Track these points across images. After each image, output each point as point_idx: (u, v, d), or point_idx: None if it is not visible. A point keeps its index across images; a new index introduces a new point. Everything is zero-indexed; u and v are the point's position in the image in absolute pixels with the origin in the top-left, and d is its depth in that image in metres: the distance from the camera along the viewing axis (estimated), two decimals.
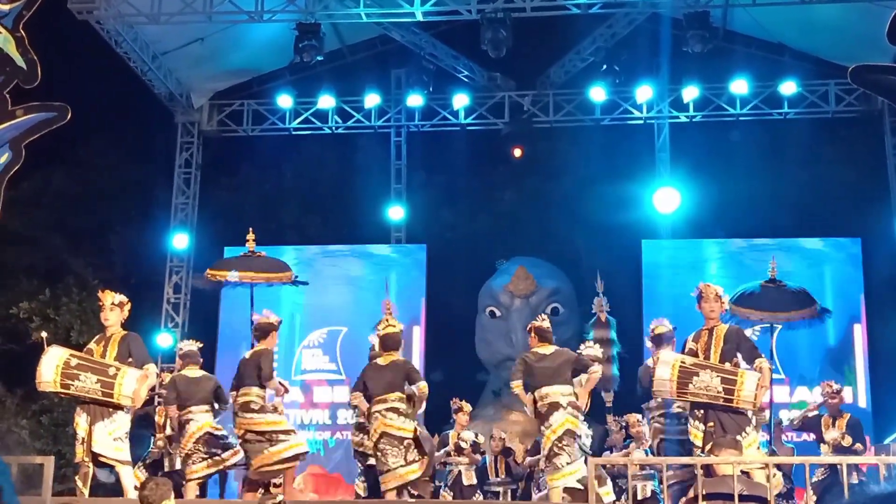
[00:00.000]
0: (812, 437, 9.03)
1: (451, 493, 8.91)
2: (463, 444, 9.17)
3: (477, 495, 9.09)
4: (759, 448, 6.81)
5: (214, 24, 11.92)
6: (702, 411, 6.63)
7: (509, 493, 9.53)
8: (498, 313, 14.06)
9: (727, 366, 6.66)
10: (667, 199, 12.98)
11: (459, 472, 9.14)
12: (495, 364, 13.99)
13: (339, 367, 12.85)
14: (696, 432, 6.65)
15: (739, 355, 6.79)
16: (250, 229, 9.64)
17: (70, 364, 7.02)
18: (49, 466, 6.59)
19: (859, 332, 12.28)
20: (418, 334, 12.97)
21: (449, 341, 13.63)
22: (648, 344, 7.92)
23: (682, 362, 6.65)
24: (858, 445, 8.58)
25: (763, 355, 6.88)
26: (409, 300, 13.21)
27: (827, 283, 12.43)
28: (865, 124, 13.41)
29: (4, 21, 5.82)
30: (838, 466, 8.03)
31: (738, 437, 6.39)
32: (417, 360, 12.58)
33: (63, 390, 7.07)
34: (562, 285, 14.13)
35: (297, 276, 9.49)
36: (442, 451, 9.23)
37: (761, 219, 13.16)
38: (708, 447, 6.28)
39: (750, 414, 6.62)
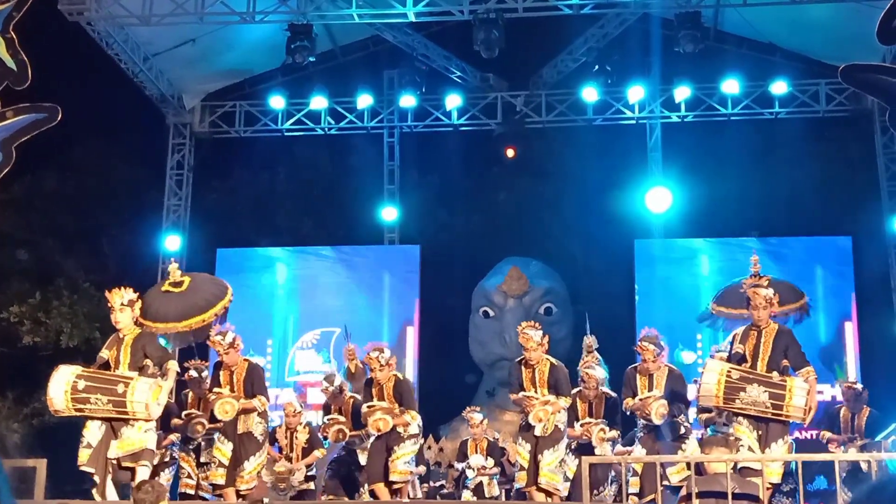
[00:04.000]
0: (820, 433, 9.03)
1: (476, 496, 9.13)
2: (470, 473, 9.27)
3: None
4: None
5: (206, 25, 11.88)
6: (748, 420, 6.60)
7: (503, 493, 9.55)
8: (491, 313, 14.07)
9: (775, 376, 6.54)
10: (659, 198, 13.01)
11: (481, 482, 9.27)
12: (489, 364, 14.00)
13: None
14: (741, 428, 6.59)
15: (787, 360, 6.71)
16: (172, 261, 8.48)
17: (77, 388, 6.72)
18: (41, 469, 6.55)
19: (850, 330, 12.33)
20: (412, 335, 12.97)
21: (443, 341, 13.64)
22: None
23: (728, 376, 6.51)
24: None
25: (810, 364, 6.77)
26: (402, 301, 13.22)
27: (818, 281, 12.47)
28: (856, 123, 13.46)
29: None
30: (860, 463, 8.09)
31: (778, 442, 6.46)
32: (411, 361, 12.59)
33: (78, 413, 6.80)
34: (555, 285, 14.15)
35: (231, 300, 7.62)
36: (460, 467, 9.41)
37: (753, 217, 13.19)
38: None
39: (805, 424, 6.72)
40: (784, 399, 6.39)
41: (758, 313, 6.78)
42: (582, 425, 7.81)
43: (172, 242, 13.31)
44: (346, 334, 9.90)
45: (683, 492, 5.80)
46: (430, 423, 9.79)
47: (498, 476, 9.44)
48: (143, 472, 6.84)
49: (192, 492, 8.37)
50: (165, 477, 8.15)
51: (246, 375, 7.61)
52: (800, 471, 5.85)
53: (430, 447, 11.04)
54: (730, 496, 5.06)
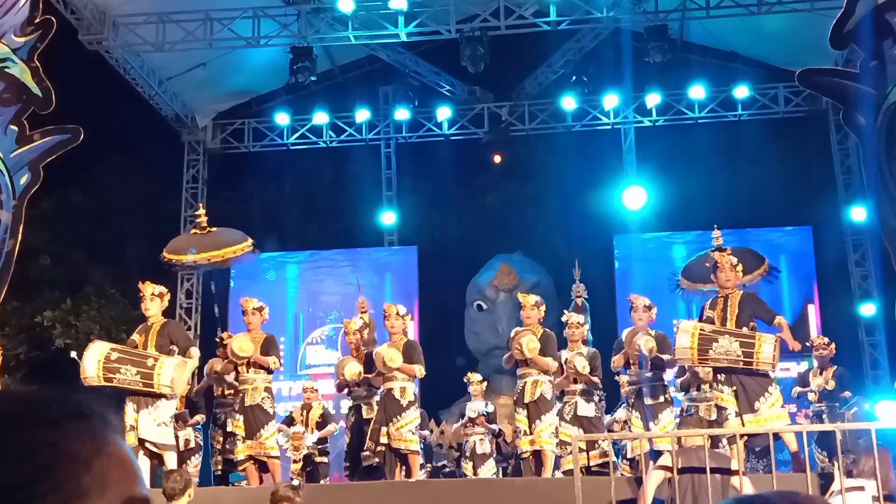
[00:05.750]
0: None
1: (471, 462, 8.87)
2: (471, 415, 9.05)
3: (489, 462, 8.99)
4: (783, 406, 6.68)
5: (215, 50, 11.88)
6: (724, 375, 6.51)
7: (500, 471, 9.51)
8: (484, 306, 14.07)
9: (745, 330, 6.50)
10: (635, 196, 13.02)
11: (475, 441, 9.03)
12: (483, 353, 13.99)
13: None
14: (721, 395, 6.51)
15: (756, 320, 6.64)
16: (201, 205, 8.83)
17: (111, 358, 6.79)
18: None
19: (813, 312, 12.35)
20: (413, 328, 12.94)
21: (441, 333, 13.63)
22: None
23: (701, 329, 6.48)
24: (847, 393, 8.50)
25: (780, 314, 6.72)
26: (403, 297, 13.17)
27: (783, 268, 12.47)
28: (812, 123, 13.49)
29: (20, 53, 5.78)
30: (824, 419, 8.09)
31: (762, 398, 6.34)
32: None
33: (107, 383, 6.77)
34: (542, 279, 14.14)
35: (255, 245, 8.26)
36: (459, 423, 9.25)
37: (721, 212, 13.18)
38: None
39: (771, 374, 6.50)
40: (754, 347, 6.36)
41: (724, 275, 6.69)
42: (566, 361, 7.47)
43: (202, 212, 13.17)
44: (358, 287, 9.67)
45: (661, 462, 5.74)
46: (431, 407, 9.76)
47: (493, 453, 9.27)
48: (170, 460, 6.85)
49: (223, 468, 8.16)
50: (193, 463, 8.08)
51: (264, 341, 7.57)
52: (771, 442, 5.84)
53: (431, 430, 11.02)
54: (708, 472, 5.03)
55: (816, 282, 12.48)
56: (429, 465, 9.88)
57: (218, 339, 8.57)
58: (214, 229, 8.09)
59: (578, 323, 7.76)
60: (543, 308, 7.61)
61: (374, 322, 8.31)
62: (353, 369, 7.82)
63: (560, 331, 7.89)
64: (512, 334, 7.48)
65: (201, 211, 8.20)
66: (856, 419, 7.85)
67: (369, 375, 7.77)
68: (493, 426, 9.18)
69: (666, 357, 7.08)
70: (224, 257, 7.92)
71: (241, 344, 7.37)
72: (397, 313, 7.62)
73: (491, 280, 13.98)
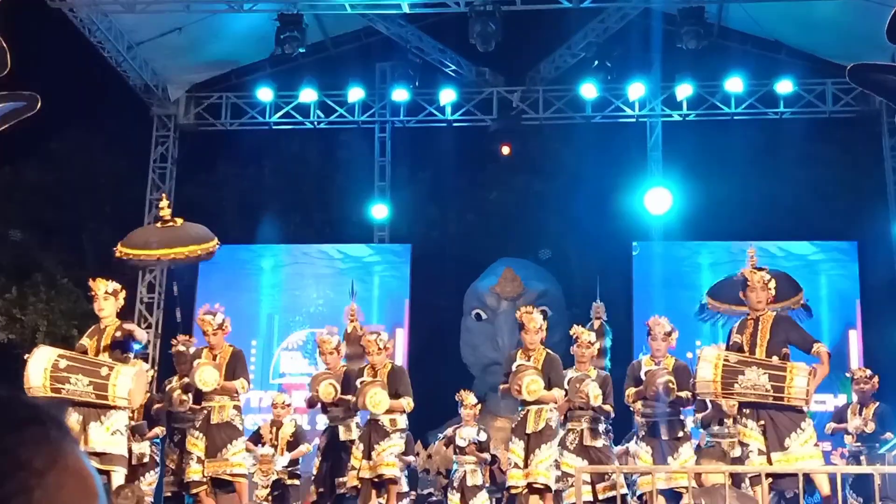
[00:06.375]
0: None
1: (459, 493, 8.86)
2: (461, 443, 8.97)
3: (482, 494, 8.97)
4: (816, 444, 6.61)
5: (192, 14, 11.86)
6: (750, 409, 6.45)
7: (493, 501, 9.50)
8: (484, 316, 14.07)
9: (774, 360, 6.40)
10: (658, 199, 13.03)
11: (465, 472, 8.95)
12: (481, 368, 13.99)
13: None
14: (745, 430, 6.46)
15: (790, 346, 6.55)
16: (164, 195, 8.89)
17: (59, 366, 6.73)
18: None
19: (855, 339, 12.36)
20: (402, 337, 12.97)
21: (433, 344, 13.64)
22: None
23: (725, 359, 6.41)
24: (889, 434, 8.44)
25: (820, 340, 6.66)
26: (392, 301, 13.21)
27: (822, 287, 12.52)
28: (863, 125, 13.50)
29: None
30: (861, 460, 8.07)
31: (794, 434, 6.29)
32: (401, 363, 12.57)
33: (54, 394, 6.71)
34: (550, 288, 14.15)
35: (220, 244, 8.13)
36: (446, 446, 9.24)
37: (755, 221, 13.22)
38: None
39: (805, 408, 6.43)
40: (785, 381, 6.26)
41: (755, 295, 6.56)
42: (571, 381, 7.51)
43: (165, 202, 13.21)
44: (351, 292, 9.67)
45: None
46: (418, 429, 9.75)
47: (487, 483, 9.31)
48: (117, 478, 6.80)
49: (175, 489, 8.28)
50: (148, 481, 8.08)
51: (230, 359, 7.61)
52: (801, 484, 5.84)
53: (418, 454, 11.01)
54: None
55: (860, 304, 12.49)
56: (413, 492, 9.88)
57: (173, 349, 8.61)
58: (179, 222, 7.97)
59: (589, 342, 7.78)
60: (546, 326, 7.60)
61: (365, 329, 8.31)
62: (328, 390, 7.90)
63: (568, 348, 7.90)
64: (513, 368, 7.43)
65: (164, 203, 8.11)
66: None
67: (346, 397, 7.82)
68: (486, 455, 9.17)
69: (685, 394, 7.19)
70: (188, 255, 7.79)
71: (203, 377, 7.42)
72: (378, 346, 7.61)
73: (492, 286, 13.99)
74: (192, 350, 8.47)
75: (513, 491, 7.56)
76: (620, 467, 7.41)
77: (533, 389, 7.18)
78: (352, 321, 8.99)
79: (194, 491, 7.59)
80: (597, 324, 8.45)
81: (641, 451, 7.29)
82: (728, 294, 7.81)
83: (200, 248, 7.76)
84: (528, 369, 7.28)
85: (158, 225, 8.02)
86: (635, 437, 7.70)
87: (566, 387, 7.47)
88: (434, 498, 10.29)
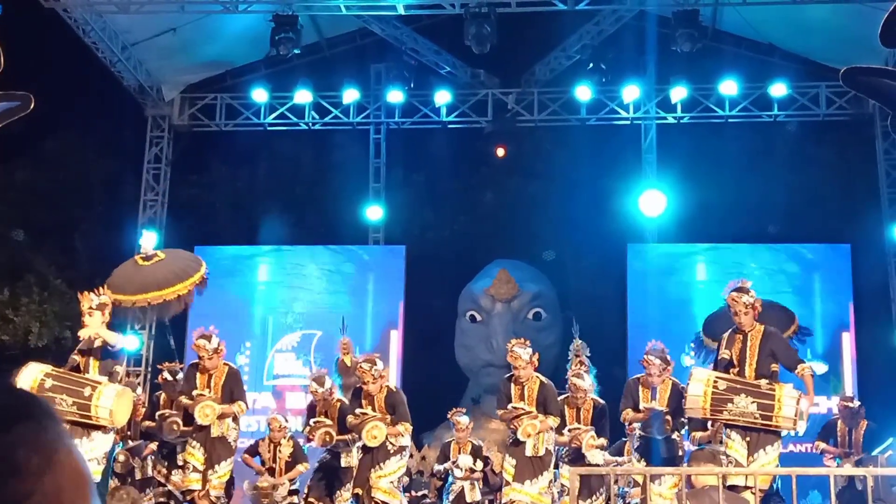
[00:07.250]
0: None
1: None
2: (459, 474, 9.10)
3: None
4: (776, 465, 6.75)
5: (187, 15, 11.84)
6: (739, 430, 6.59)
7: (486, 503, 9.53)
8: (478, 318, 14.07)
9: (762, 384, 6.48)
10: (653, 201, 13.04)
11: (463, 487, 9.10)
12: (475, 370, 13.99)
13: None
14: (730, 443, 6.56)
15: (778, 364, 6.66)
16: (145, 232, 8.82)
17: (45, 386, 6.72)
18: None
19: (848, 341, 12.39)
20: (396, 339, 12.96)
21: (428, 346, 13.62)
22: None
23: (714, 387, 6.49)
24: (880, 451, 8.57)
25: (805, 361, 6.76)
26: (386, 303, 13.20)
27: (815, 290, 12.55)
28: (856, 128, 13.54)
29: None
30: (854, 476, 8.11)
31: (762, 451, 6.46)
32: (394, 365, 12.57)
33: None
34: (544, 289, 14.16)
35: (207, 274, 8.01)
36: (442, 467, 9.30)
37: (749, 223, 13.25)
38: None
39: (794, 432, 6.68)
40: (773, 410, 6.37)
41: (739, 319, 6.71)
42: (570, 430, 7.82)
43: (148, 239, 13.23)
44: (342, 326, 9.87)
45: None
46: (413, 431, 9.74)
47: (481, 486, 9.38)
48: None
49: (164, 500, 8.33)
50: (147, 497, 8.13)
51: (225, 379, 7.66)
52: (794, 486, 5.85)
53: (412, 455, 11.01)
54: None
55: (853, 307, 12.52)
56: (408, 494, 9.89)
57: (160, 377, 8.65)
58: (162, 256, 7.79)
59: (584, 390, 7.90)
60: (537, 357, 7.63)
61: (359, 359, 8.33)
62: (324, 440, 8.07)
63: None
64: (509, 407, 7.52)
65: (144, 241, 8.04)
66: (891, 464, 7.87)
67: (344, 437, 7.96)
68: (477, 473, 9.22)
69: (679, 421, 7.46)
70: (175, 295, 7.64)
71: (203, 412, 7.52)
72: (373, 377, 7.64)
73: (487, 288, 13.99)
74: (179, 377, 8.54)
75: None
76: (613, 468, 7.43)
77: (530, 433, 7.31)
78: (345, 354, 9.11)
79: (189, 498, 7.66)
80: (576, 362, 8.45)
81: (636, 461, 7.40)
82: (722, 330, 7.88)
83: (187, 285, 7.64)
84: (522, 413, 7.35)
85: (140, 260, 7.86)
86: (633, 452, 7.83)
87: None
88: (428, 500, 10.30)
